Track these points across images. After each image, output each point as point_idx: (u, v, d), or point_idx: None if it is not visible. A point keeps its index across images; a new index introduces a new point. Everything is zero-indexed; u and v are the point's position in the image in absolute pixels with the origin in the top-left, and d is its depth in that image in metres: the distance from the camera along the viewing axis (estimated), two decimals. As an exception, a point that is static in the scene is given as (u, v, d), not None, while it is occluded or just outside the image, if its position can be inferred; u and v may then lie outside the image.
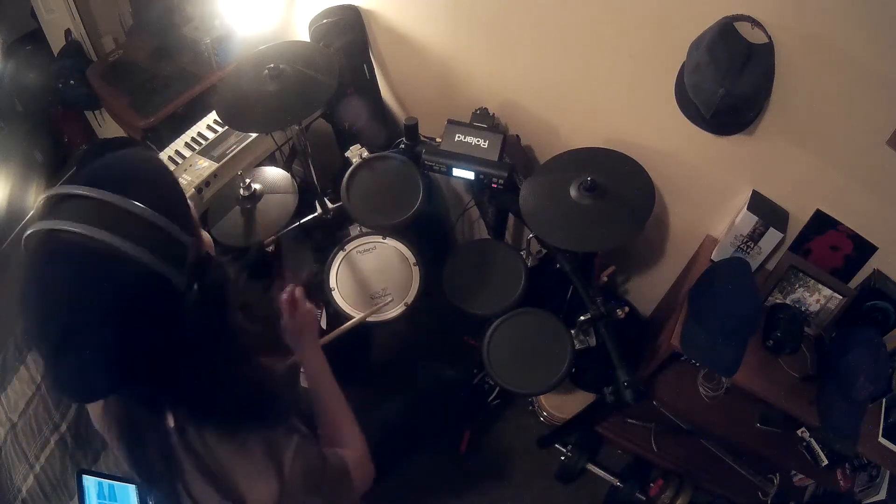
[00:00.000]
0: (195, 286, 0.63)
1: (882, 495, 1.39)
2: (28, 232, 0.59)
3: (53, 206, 0.60)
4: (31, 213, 0.62)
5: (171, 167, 1.64)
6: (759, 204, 1.32)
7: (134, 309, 0.59)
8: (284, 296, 1.04)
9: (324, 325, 1.50)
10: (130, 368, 0.61)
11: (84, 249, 0.57)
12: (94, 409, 0.82)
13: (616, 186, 1.22)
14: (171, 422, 0.70)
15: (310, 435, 0.84)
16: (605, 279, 1.53)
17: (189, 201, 0.71)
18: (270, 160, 1.73)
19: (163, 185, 0.67)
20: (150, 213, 0.60)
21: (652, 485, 1.74)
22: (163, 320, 0.61)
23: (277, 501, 0.71)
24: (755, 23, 1.07)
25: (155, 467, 0.71)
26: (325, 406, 0.98)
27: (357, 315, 1.31)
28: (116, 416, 0.71)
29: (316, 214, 1.48)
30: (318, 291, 1.37)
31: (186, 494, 0.72)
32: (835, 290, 1.33)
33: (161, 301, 0.61)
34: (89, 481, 1.44)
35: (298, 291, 1.06)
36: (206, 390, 0.69)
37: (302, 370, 1.05)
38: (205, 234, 0.75)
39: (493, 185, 1.35)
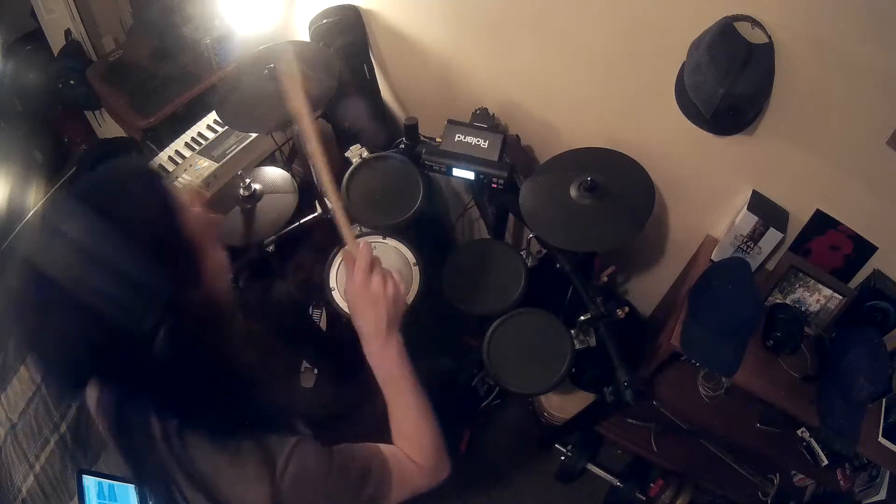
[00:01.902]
0: (162, 331, 0.61)
1: (882, 495, 1.39)
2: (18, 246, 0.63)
3: (42, 229, 0.62)
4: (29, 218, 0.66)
5: (171, 167, 1.64)
6: (759, 204, 1.32)
7: (95, 347, 0.62)
8: (361, 261, 0.81)
9: (323, 325, 1.50)
10: (104, 377, 0.67)
11: (50, 290, 0.59)
12: (91, 402, 0.81)
13: (616, 186, 1.22)
14: (156, 429, 0.69)
15: (310, 436, 0.81)
16: (605, 279, 1.53)
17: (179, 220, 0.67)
18: (270, 160, 1.73)
19: (147, 222, 0.64)
20: (126, 265, 0.60)
21: (652, 485, 1.74)
22: (127, 361, 0.64)
23: None
24: (755, 23, 1.07)
25: (146, 467, 0.70)
26: (393, 398, 0.85)
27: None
28: (106, 415, 0.71)
29: (316, 214, 1.48)
30: (318, 291, 1.37)
31: (180, 495, 0.70)
32: (835, 290, 1.33)
33: (122, 346, 0.62)
34: (89, 481, 1.44)
35: (371, 261, 0.81)
36: (189, 404, 0.68)
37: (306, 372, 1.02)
38: (214, 258, 0.73)
39: (493, 185, 1.35)
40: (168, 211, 0.66)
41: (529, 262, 1.47)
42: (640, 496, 1.74)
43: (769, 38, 1.07)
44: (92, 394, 0.80)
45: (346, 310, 1.32)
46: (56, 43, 2.11)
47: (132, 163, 0.69)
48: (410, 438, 0.83)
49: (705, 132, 1.23)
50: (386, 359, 0.82)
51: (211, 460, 0.69)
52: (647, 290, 1.83)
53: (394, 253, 1.37)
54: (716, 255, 1.41)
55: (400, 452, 0.82)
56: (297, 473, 0.70)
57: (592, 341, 1.31)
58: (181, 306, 0.63)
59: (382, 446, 0.81)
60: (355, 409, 1.01)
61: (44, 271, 0.59)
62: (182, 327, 0.63)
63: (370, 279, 0.80)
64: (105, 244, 0.60)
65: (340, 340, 1.49)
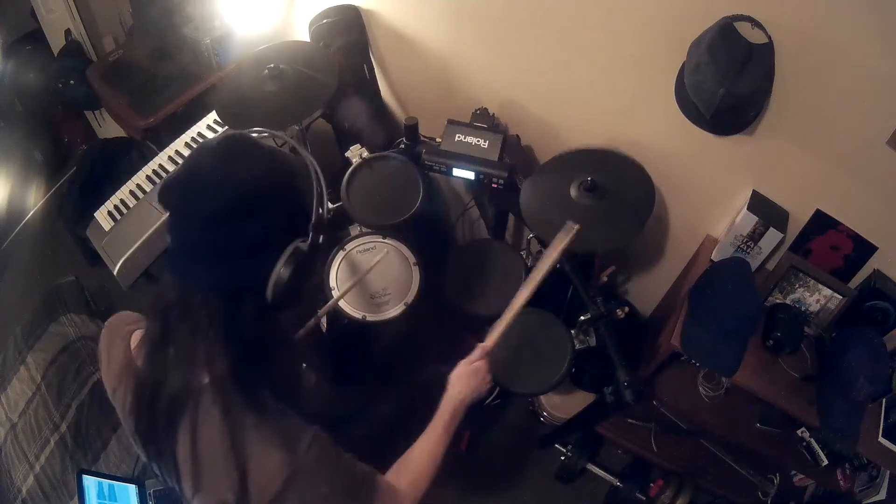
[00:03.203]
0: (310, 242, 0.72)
1: (882, 495, 1.39)
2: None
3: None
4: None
5: (171, 167, 1.64)
6: (759, 204, 1.32)
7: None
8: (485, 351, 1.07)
9: (324, 326, 1.50)
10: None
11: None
12: (113, 365, 0.82)
13: (616, 186, 1.22)
14: (205, 378, 0.72)
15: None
16: (605, 279, 1.53)
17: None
18: (270, 160, 1.73)
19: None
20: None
21: (652, 485, 1.74)
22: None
23: (285, 479, 0.71)
24: (755, 23, 1.07)
25: (160, 416, 0.72)
26: (433, 440, 0.96)
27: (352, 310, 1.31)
28: (151, 343, 0.74)
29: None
30: (318, 291, 1.37)
31: (190, 450, 0.72)
32: (835, 290, 1.33)
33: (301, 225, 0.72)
34: (89, 481, 1.44)
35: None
36: (250, 353, 0.73)
37: None
38: None
39: (493, 185, 1.35)
40: None
41: (529, 263, 1.47)
42: (640, 496, 1.74)
43: (769, 38, 1.07)
44: (114, 363, 0.82)
45: (346, 310, 1.32)
46: (56, 43, 2.11)
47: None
48: (414, 470, 0.91)
49: (705, 132, 1.23)
50: (456, 415, 0.99)
51: (247, 419, 0.72)
52: (647, 290, 1.83)
53: (394, 253, 1.37)
54: (716, 255, 1.41)
55: (388, 479, 0.86)
56: (319, 456, 0.74)
57: (592, 341, 1.31)
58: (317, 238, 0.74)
59: (373, 469, 0.86)
60: (355, 412, 1.02)
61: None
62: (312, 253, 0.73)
63: (486, 365, 1.05)
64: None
65: (340, 342, 1.49)
